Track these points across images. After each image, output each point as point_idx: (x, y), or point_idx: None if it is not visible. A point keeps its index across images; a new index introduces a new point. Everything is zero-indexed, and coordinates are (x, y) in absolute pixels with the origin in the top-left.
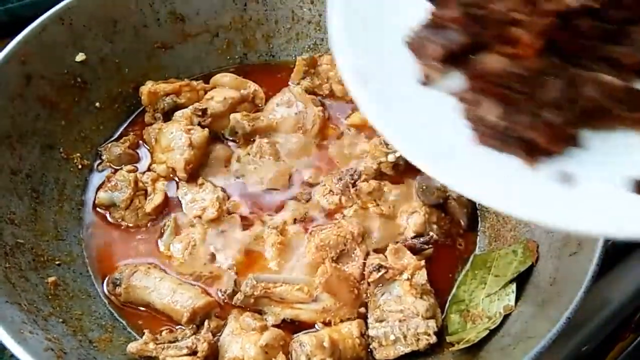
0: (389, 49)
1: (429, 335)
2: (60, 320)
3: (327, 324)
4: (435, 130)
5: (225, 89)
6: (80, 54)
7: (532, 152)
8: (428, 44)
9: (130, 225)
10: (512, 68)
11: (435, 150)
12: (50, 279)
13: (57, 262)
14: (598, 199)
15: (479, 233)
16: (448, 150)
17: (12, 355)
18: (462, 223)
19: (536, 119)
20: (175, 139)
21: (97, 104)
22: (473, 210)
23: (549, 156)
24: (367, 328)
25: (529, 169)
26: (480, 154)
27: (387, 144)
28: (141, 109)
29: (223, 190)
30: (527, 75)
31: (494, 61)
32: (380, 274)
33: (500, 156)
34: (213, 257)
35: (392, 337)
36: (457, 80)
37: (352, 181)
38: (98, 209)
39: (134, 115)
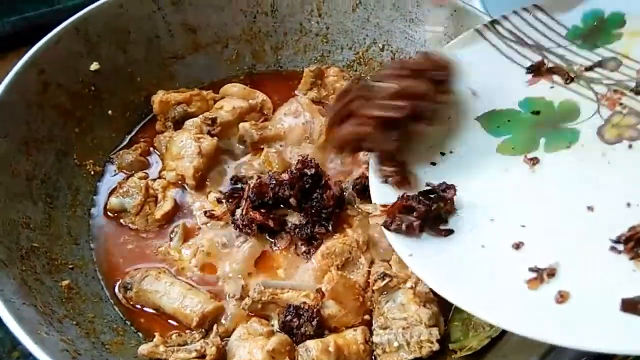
0: None
1: (431, 342)
2: (74, 322)
3: (332, 329)
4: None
5: (234, 98)
6: (95, 63)
7: None
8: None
9: (140, 230)
10: None
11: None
12: (64, 283)
13: (70, 266)
14: (591, 317)
15: None
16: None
17: (19, 357)
18: None
19: None
20: (185, 147)
21: (110, 112)
22: None
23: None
24: (371, 335)
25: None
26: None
27: None
28: (151, 115)
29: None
30: None
31: None
32: (384, 282)
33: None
34: (221, 262)
35: (395, 344)
36: None
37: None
38: (109, 214)
39: (143, 122)
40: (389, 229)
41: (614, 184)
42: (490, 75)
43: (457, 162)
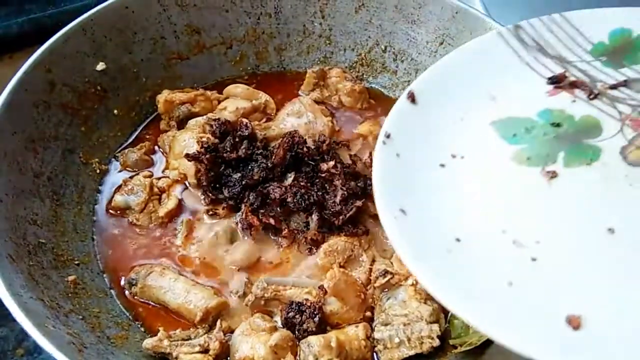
0: None
1: (432, 338)
2: (80, 317)
3: (334, 326)
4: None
5: (237, 99)
6: (101, 63)
7: None
8: None
9: (144, 227)
10: None
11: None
12: (70, 278)
13: (76, 262)
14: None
15: None
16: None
17: (23, 355)
18: None
19: None
20: (188, 147)
21: (116, 112)
22: None
23: None
24: (372, 331)
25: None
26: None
27: None
28: (156, 114)
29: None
30: None
31: None
32: (386, 279)
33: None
34: (225, 259)
35: (396, 340)
36: None
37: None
38: (114, 211)
39: (148, 121)
40: None
41: (637, 208)
42: (508, 80)
43: (468, 166)
